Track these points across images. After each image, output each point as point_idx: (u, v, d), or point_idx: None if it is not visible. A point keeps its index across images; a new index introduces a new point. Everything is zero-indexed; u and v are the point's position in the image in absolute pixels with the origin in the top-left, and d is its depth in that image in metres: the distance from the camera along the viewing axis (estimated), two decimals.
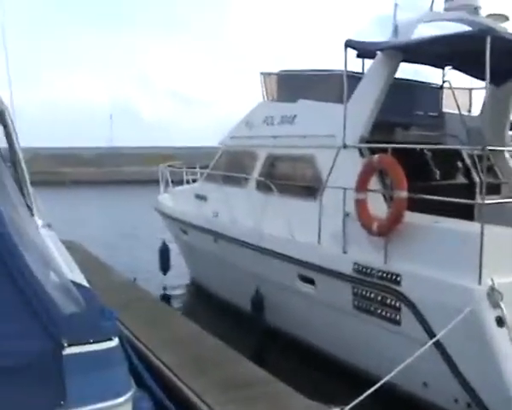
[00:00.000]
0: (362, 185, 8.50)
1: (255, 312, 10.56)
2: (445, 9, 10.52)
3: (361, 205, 8.45)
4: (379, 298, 8.17)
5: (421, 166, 10.19)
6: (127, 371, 4.58)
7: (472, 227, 7.34)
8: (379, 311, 8.18)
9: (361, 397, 5.72)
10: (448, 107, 11.93)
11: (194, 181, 15.43)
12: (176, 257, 16.14)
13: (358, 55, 10.30)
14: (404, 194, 7.80)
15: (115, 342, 3.93)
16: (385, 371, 6.26)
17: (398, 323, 7.91)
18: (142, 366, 6.48)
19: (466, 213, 8.05)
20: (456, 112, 11.46)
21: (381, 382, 6.00)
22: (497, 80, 10.32)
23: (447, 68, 11.67)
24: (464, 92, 12.27)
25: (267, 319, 10.50)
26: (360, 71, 10.77)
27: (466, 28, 9.28)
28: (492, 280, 6.84)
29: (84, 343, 3.73)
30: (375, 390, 5.86)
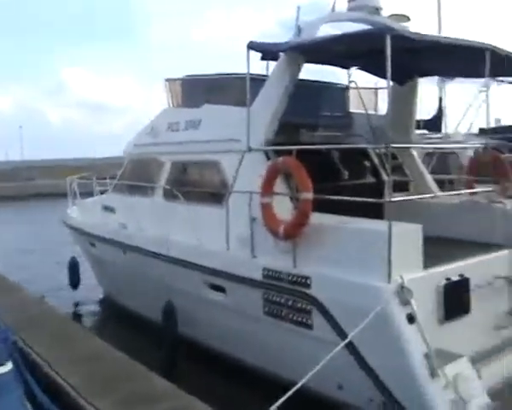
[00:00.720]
0: (267, 189, 8.32)
1: (167, 324, 10.27)
2: (348, 10, 10.53)
3: (267, 209, 8.26)
4: (289, 303, 8.02)
5: (328, 166, 10.17)
6: (22, 397, 4.27)
7: (379, 225, 7.29)
8: (290, 316, 8.03)
9: (277, 404, 5.55)
10: (355, 107, 11.97)
11: (104, 193, 15.07)
12: (86, 272, 15.70)
13: (263, 58, 10.18)
14: (309, 195, 7.65)
15: (8, 366, 3.65)
16: (300, 375, 6.06)
17: (309, 327, 7.78)
18: (41, 390, 6.15)
19: (376, 212, 8.00)
20: (363, 111, 11.50)
21: (296, 387, 5.82)
22: (400, 79, 10.43)
23: (353, 68, 11.71)
24: (370, 92, 12.36)
25: (179, 331, 10.20)
26: (265, 73, 10.67)
27: (367, 28, 9.29)
28: (402, 278, 6.81)
29: None
30: (291, 396, 5.70)
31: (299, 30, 9.98)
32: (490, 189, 9.35)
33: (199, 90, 11.83)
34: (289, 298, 8.02)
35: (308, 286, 7.70)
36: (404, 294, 6.74)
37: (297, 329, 7.96)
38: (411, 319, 6.70)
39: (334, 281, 7.41)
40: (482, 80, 8.98)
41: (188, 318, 10.17)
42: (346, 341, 6.66)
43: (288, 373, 7.73)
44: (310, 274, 7.70)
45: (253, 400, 8.12)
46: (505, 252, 8.43)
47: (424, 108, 23.24)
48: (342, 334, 7.07)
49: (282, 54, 9.32)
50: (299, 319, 7.90)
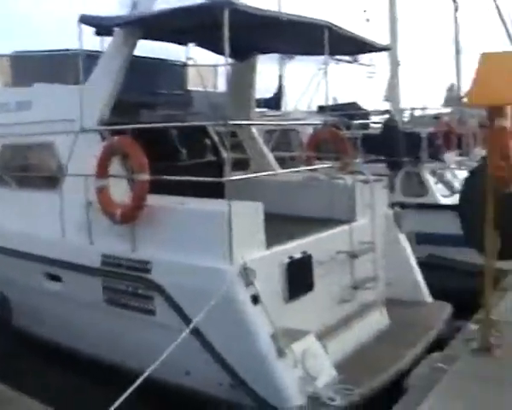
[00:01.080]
0: (102, 171, 7.94)
1: (2, 319, 9.67)
2: None
3: (102, 192, 7.89)
4: (130, 289, 7.74)
5: (166, 146, 9.95)
6: None
7: (219, 205, 7.13)
8: (131, 303, 7.75)
9: (124, 395, 5.38)
10: (194, 84, 11.77)
11: None
12: None
13: (97, 33, 9.74)
14: (145, 176, 7.35)
15: None
16: (148, 364, 5.94)
17: (152, 313, 7.53)
18: None
19: (217, 191, 7.85)
20: (202, 89, 11.33)
21: (142, 377, 5.71)
22: (239, 56, 10.35)
23: (191, 45, 11.49)
24: (209, 69, 12.23)
25: (17, 326, 9.73)
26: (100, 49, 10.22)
27: (205, 1, 9.12)
28: (243, 258, 6.72)
29: None
30: (139, 386, 5.57)
31: (134, 4, 9.64)
32: (330, 165, 9.48)
33: (29, 68, 11.15)
34: (130, 284, 7.74)
35: (148, 271, 7.44)
36: (247, 275, 6.66)
37: (140, 316, 7.69)
38: (256, 299, 6.64)
39: (174, 265, 7.20)
40: (321, 58, 9.05)
41: (24, 311, 9.68)
42: (191, 327, 6.52)
43: (135, 363, 7.37)
44: (149, 259, 7.45)
45: (100, 394, 7.78)
46: (346, 227, 8.57)
47: (264, 86, 23.54)
48: (187, 319, 6.88)
49: (116, 29, 8.91)
50: (141, 305, 7.64)
